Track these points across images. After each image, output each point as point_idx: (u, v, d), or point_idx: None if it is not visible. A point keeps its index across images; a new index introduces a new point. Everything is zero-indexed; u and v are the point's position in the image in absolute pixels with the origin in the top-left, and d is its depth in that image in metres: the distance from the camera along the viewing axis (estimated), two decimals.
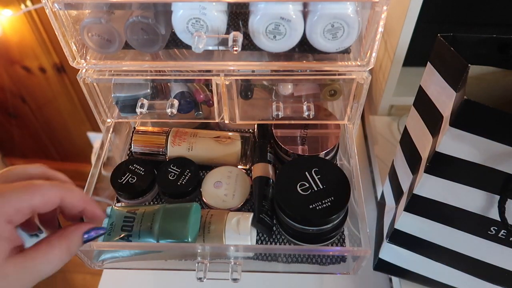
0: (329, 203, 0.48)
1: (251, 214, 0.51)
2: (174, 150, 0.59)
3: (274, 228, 0.54)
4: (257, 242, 0.54)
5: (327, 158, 0.57)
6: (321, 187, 0.50)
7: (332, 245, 0.54)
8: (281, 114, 0.54)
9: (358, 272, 0.50)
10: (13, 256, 0.30)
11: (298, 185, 0.50)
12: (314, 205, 0.48)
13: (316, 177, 0.51)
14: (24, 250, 0.31)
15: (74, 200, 0.34)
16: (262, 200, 0.53)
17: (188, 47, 0.48)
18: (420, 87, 0.45)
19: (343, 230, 0.55)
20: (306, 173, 0.51)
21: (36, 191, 0.31)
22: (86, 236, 0.35)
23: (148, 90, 0.55)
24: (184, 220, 0.47)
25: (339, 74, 0.50)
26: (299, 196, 0.49)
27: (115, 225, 0.49)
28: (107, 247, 0.52)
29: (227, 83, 0.51)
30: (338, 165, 0.61)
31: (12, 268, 0.29)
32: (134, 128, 0.63)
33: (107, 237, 0.48)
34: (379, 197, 0.61)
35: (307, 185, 0.50)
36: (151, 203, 0.59)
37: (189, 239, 0.47)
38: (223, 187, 0.56)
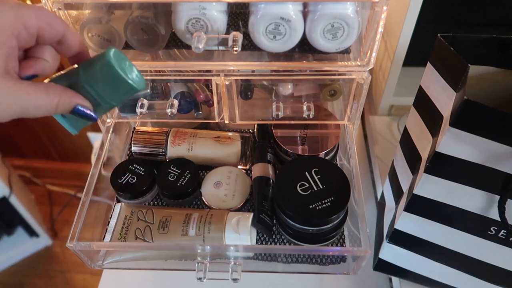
0: (329, 203, 0.48)
1: (251, 214, 0.51)
2: (174, 150, 0.59)
3: (274, 228, 0.54)
4: (257, 242, 0.54)
5: (327, 158, 0.57)
6: (321, 187, 0.50)
7: (332, 245, 0.54)
8: (281, 114, 0.54)
9: (358, 272, 0.50)
10: (9, 76, 0.28)
11: (298, 185, 0.50)
12: (314, 205, 0.48)
13: (316, 177, 0.51)
14: (21, 80, 0.30)
15: (75, 38, 0.33)
16: (262, 200, 0.53)
17: (188, 47, 0.48)
18: (420, 87, 0.45)
19: (343, 230, 0.55)
20: (306, 173, 0.51)
21: (45, 11, 0.30)
22: (78, 108, 0.34)
23: (148, 90, 0.55)
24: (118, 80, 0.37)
25: (339, 74, 0.50)
26: (299, 196, 0.49)
27: None
28: (108, 247, 0.52)
29: (227, 83, 0.51)
30: (338, 165, 0.61)
31: (5, 87, 0.28)
32: (134, 128, 0.63)
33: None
34: (379, 197, 0.61)
35: (307, 185, 0.50)
36: (151, 203, 0.59)
37: (137, 87, 0.38)
38: (223, 187, 0.56)
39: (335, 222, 0.50)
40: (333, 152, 0.58)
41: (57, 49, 0.34)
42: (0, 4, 0.28)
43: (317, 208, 0.48)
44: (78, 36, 0.34)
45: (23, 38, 0.29)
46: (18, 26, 0.28)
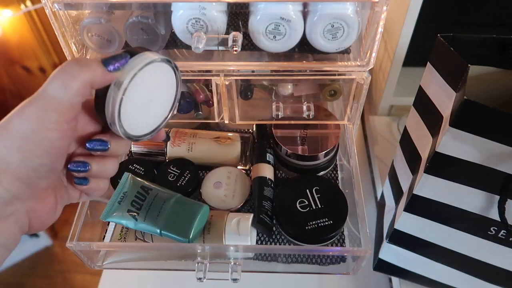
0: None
1: (251, 215, 0.51)
2: (174, 150, 0.59)
3: (274, 229, 0.54)
4: (257, 242, 0.54)
5: (326, 158, 0.57)
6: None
7: (332, 245, 0.54)
8: (281, 114, 0.54)
9: (358, 272, 0.50)
10: None
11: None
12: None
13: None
14: None
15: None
16: (262, 201, 0.53)
17: (188, 47, 0.48)
18: (420, 87, 0.45)
19: (343, 230, 0.55)
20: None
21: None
22: (108, 66, 0.31)
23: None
24: (191, 218, 0.48)
25: (339, 74, 0.50)
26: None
27: (126, 196, 0.49)
28: (108, 247, 0.52)
29: (227, 83, 0.51)
30: (338, 165, 0.61)
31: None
32: None
33: (116, 205, 0.48)
34: (379, 197, 0.61)
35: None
36: None
37: (189, 239, 0.47)
38: (222, 188, 0.56)
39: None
40: (333, 152, 0.58)
41: None
42: None
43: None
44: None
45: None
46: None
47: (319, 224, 0.49)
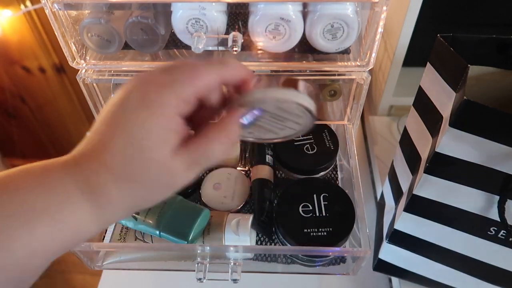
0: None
1: (251, 216, 0.51)
2: None
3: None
4: (256, 243, 0.54)
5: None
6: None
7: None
8: None
9: (358, 272, 0.50)
10: (179, 150, 0.29)
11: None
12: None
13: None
14: (186, 145, 0.29)
15: (233, 72, 0.32)
16: (262, 202, 0.53)
17: (187, 47, 0.48)
18: (420, 87, 0.45)
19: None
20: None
21: (197, 78, 0.30)
22: (244, 120, 0.33)
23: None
24: (191, 222, 0.48)
25: (339, 75, 0.50)
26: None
27: None
28: (108, 247, 0.52)
29: None
30: (338, 165, 0.61)
31: (179, 165, 0.29)
32: None
33: None
34: (378, 197, 0.61)
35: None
36: None
37: (188, 241, 0.47)
38: (222, 189, 0.56)
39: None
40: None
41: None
42: (161, 88, 0.28)
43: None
44: (239, 69, 0.32)
45: (186, 111, 0.30)
46: (179, 105, 0.29)
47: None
